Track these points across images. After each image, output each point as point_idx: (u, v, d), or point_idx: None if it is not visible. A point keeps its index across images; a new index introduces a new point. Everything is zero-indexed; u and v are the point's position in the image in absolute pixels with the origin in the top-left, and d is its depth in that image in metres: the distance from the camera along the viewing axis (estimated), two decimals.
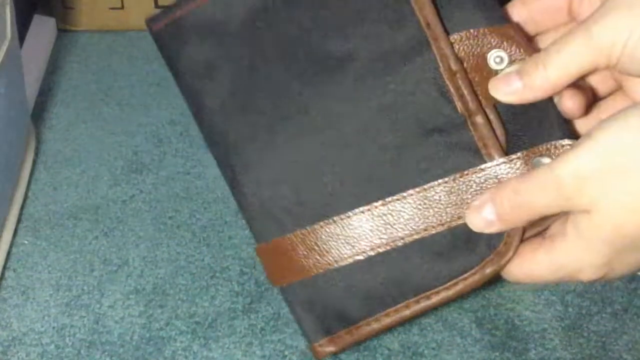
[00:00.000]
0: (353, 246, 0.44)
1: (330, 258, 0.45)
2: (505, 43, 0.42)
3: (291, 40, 0.46)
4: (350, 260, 0.45)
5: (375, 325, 0.45)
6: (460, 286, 0.44)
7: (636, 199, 0.38)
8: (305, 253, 0.46)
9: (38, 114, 0.98)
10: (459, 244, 0.43)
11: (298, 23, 0.45)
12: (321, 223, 0.45)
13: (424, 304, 0.45)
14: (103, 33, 1.13)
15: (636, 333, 0.75)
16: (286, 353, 0.73)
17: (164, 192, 0.89)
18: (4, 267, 0.79)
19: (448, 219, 0.43)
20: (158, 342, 0.73)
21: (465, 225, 0.43)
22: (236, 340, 0.74)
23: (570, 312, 0.77)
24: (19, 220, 0.84)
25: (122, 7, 1.12)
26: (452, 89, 0.43)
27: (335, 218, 0.45)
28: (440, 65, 0.43)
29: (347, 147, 0.45)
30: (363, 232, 0.44)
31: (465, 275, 0.44)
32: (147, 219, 0.85)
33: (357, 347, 0.73)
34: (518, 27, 0.44)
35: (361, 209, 0.44)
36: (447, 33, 0.43)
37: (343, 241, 0.45)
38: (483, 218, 0.42)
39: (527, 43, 0.43)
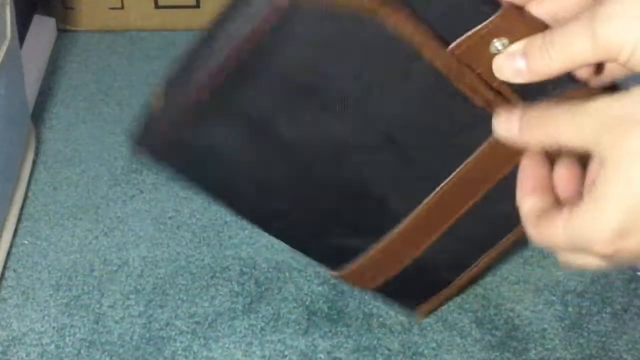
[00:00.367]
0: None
1: (411, 253, 0.53)
2: (505, 30, 0.42)
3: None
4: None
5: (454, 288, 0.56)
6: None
7: None
8: (388, 258, 0.54)
9: (38, 114, 0.98)
10: None
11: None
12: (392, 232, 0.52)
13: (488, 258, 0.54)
14: (103, 33, 1.13)
15: (636, 333, 0.75)
16: (286, 353, 0.73)
17: (164, 192, 0.89)
18: (4, 267, 0.79)
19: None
20: (158, 342, 0.73)
21: None
22: (236, 340, 0.74)
23: (570, 312, 0.77)
24: (19, 220, 0.84)
25: (122, 7, 1.12)
26: (465, 89, 0.44)
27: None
28: (444, 72, 0.43)
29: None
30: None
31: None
32: (147, 219, 0.85)
33: (357, 347, 0.73)
34: (511, 7, 0.43)
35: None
36: (447, 42, 0.43)
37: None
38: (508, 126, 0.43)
39: (526, 24, 0.42)
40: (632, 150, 0.36)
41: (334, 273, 0.55)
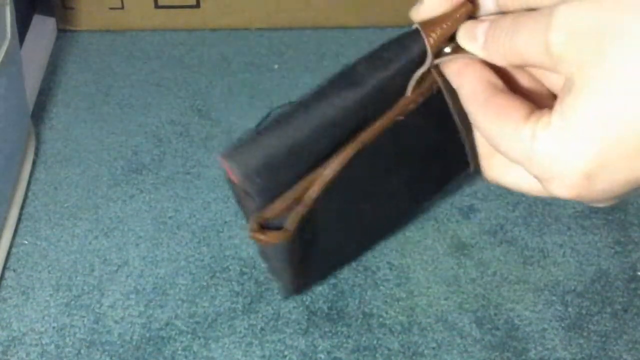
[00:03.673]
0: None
1: None
2: (439, 42, 0.40)
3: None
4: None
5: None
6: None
7: (636, 75, 0.29)
8: None
9: (38, 114, 0.98)
10: None
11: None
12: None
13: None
14: (103, 33, 1.13)
15: (636, 333, 0.75)
16: (286, 353, 0.73)
17: (164, 192, 0.89)
18: (4, 267, 0.79)
19: None
20: (158, 342, 0.73)
21: None
22: (236, 340, 0.74)
23: (570, 312, 0.77)
24: (19, 220, 0.84)
25: (122, 7, 1.12)
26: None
27: None
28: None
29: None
30: None
31: None
32: (147, 219, 0.85)
33: (357, 347, 0.73)
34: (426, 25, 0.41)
35: None
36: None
37: None
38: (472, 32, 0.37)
39: (450, 24, 0.40)
40: (607, 73, 0.30)
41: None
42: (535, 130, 0.33)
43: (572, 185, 0.33)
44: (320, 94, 0.43)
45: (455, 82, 0.39)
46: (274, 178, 0.43)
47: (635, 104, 0.30)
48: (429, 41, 0.40)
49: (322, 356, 0.72)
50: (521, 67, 0.37)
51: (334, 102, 0.42)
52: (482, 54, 0.37)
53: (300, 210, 0.45)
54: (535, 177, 0.34)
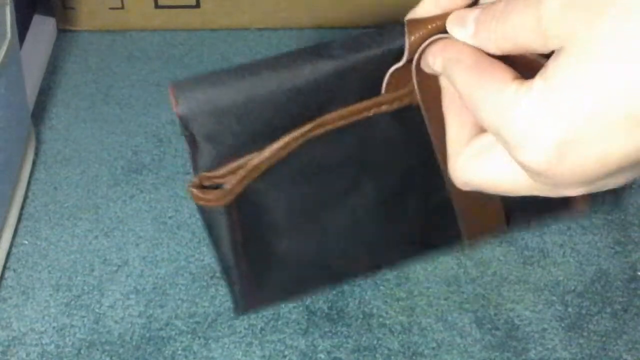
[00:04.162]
0: None
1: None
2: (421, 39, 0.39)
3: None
4: None
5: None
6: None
7: (629, 42, 0.28)
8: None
9: (38, 114, 0.98)
10: None
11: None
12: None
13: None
14: (103, 33, 1.13)
15: (636, 333, 0.75)
16: (286, 353, 0.73)
17: (164, 192, 0.89)
18: (4, 267, 0.79)
19: None
20: (158, 342, 0.73)
21: None
22: (236, 340, 0.74)
23: (570, 312, 0.77)
24: (19, 220, 0.84)
25: (122, 7, 1.12)
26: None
27: None
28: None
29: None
30: None
31: None
32: (147, 219, 0.85)
33: (357, 347, 0.73)
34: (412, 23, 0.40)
35: None
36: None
37: None
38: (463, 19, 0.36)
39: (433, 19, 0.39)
40: (595, 42, 0.29)
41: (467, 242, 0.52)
42: (517, 93, 0.32)
43: (543, 152, 0.31)
44: (292, 58, 0.40)
45: (438, 55, 0.37)
46: (221, 128, 0.40)
47: (619, 74, 0.28)
48: (410, 38, 0.39)
49: (322, 356, 0.72)
50: (513, 61, 0.36)
51: (304, 69, 0.40)
52: (472, 42, 0.36)
53: (241, 173, 0.42)
54: (507, 144, 0.33)
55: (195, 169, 0.43)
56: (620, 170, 0.31)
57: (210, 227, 0.46)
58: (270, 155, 0.42)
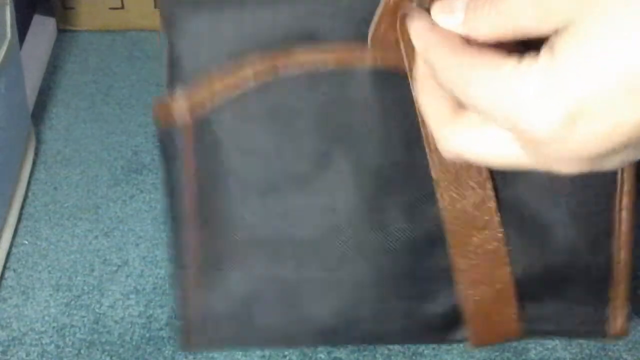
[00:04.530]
0: None
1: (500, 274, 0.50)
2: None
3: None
4: None
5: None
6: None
7: (638, 15, 0.28)
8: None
9: (38, 114, 0.98)
10: None
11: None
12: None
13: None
14: (103, 33, 1.13)
15: (636, 333, 0.75)
16: (286, 353, 0.73)
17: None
18: (4, 267, 0.79)
19: None
20: (158, 342, 0.73)
21: None
22: None
23: None
24: (19, 220, 0.84)
25: (122, 7, 1.12)
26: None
27: None
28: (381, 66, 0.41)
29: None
30: None
31: None
32: (147, 219, 0.85)
33: (357, 347, 0.73)
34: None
35: None
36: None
37: None
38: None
39: None
40: (607, 17, 0.28)
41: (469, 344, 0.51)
42: (518, 68, 0.31)
43: (554, 122, 0.30)
44: None
45: (420, 37, 0.36)
46: (198, 26, 0.40)
47: (629, 47, 0.28)
48: None
49: (322, 356, 0.72)
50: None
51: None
52: (461, 30, 0.34)
53: (205, 90, 0.41)
54: (508, 120, 0.32)
55: (170, 83, 0.42)
56: (624, 146, 0.31)
57: (165, 157, 0.45)
58: (236, 78, 0.40)
